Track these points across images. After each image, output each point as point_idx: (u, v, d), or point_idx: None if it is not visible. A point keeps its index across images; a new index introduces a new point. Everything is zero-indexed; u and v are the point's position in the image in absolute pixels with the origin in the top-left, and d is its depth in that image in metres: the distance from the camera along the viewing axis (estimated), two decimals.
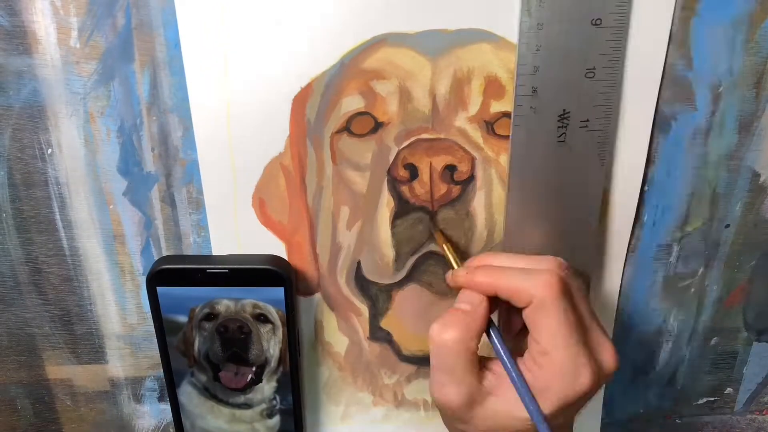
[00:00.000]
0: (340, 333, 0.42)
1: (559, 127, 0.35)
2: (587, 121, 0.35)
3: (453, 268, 0.36)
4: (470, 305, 0.33)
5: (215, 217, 0.38)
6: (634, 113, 0.37)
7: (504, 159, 0.37)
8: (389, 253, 0.39)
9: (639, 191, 0.39)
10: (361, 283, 0.40)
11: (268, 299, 0.31)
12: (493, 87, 0.35)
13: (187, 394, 0.33)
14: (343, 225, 0.39)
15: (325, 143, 0.37)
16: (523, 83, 0.34)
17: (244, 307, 0.31)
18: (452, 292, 0.40)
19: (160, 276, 0.34)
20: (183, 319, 0.31)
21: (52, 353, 0.42)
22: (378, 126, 0.36)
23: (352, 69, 0.35)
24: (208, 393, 0.33)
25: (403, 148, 0.36)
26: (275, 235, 0.39)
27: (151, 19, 0.33)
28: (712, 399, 0.49)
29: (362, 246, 0.39)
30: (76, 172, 0.37)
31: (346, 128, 0.36)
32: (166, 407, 0.44)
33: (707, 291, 0.44)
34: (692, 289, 0.44)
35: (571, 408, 0.32)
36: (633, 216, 0.40)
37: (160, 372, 0.42)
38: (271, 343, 0.32)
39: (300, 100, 0.35)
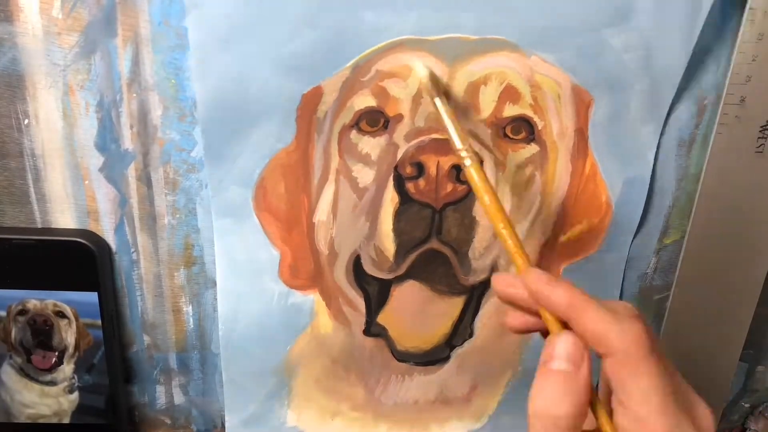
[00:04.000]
0: (335, 326, 0.42)
1: (759, 137, 0.36)
2: None
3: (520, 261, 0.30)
4: (573, 363, 0.27)
5: (218, 201, 0.37)
6: None
7: (511, 162, 0.37)
8: (390, 247, 0.38)
9: None
10: (359, 276, 0.40)
11: (67, 299, 0.39)
12: (509, 92, 0.35)
13: (7, 373, 0.42)
14: (344, 218, 0.38)
15: (333, 138, 0.36)
16: (733, 92, 0.35)
17: (47, 305, 0.39)
18: (451, 290, 0.40)
19: None
20: (2, 313, 0.40)
21: None
22: (387, 123, 0.36)
23: (366, 69, 0.34)
24: (23, 372, 0.41)
25: (411, 146, 0.36)
26: (275, 225, 0.38)
27: None
28: None
29: (363, 240, 0.39)
30: (52, 144, 0.36)
31: (356, 124, 0.36)
32: None
33: None
34: (668, 302, 0.43)
35: None
36: None
37: None
38: (69, 333, 0.40)
39: (311, 97, 0.35)
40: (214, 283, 0.41)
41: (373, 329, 0.42)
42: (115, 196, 0.38)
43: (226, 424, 0.44)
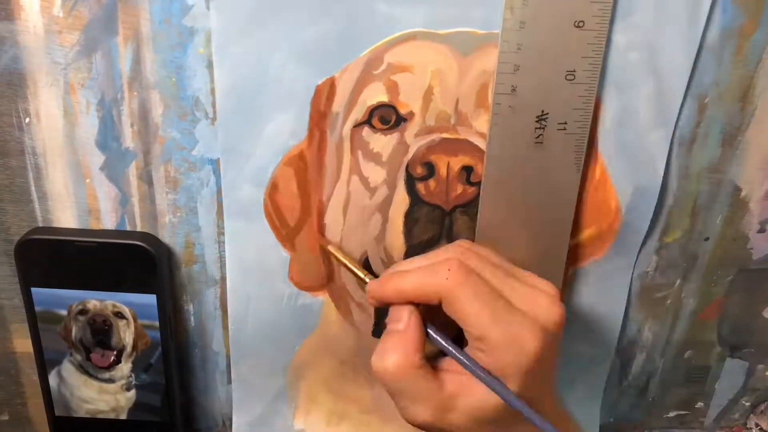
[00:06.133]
0: (343, 327, 0.42)
1: (536, 128, 0.35)
2: (565, 123, 0.35)
3: (364, 282, 0.37)
4: (401, 322, 0.33)
5: (230, 201, 0.37)
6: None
7: None
8: (400, 249, 0.38)
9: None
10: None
11: (126, 301, 0.40)
12: None
13: (67, 369, 0.42)
14: (354, 219, 0.38)
15: (345, 135, 0.36)
16: (503, 81, 0.34)
17: (106, 306, 0.40)
18: None
19: (27, 246, 0.38)
20: (63, 312, 0.40)
21: (20, 326, 0.42)
22: (400, 121, 0.36)
23: (378, 61, 0.34)
24: (82, 369, 0.42)
25: (422, 146, 0.36)
26: (287, 225, 0.38)
27: None
28: (683, 413, 0.49)
29: (372, 240, 0.39)
30: (53, 143, 0.37)
31: (368, 121, 0.36)
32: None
33: (683, 303, 0.44)
34: (668, 301, 0.43)
35: (537, 375, 0.31)
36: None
37: None
38: (127, 334, 0.41)
39: (323, 91, 0.35)
40: (216, 282, 0.41)
41: (381, 330, 0.42)
42: (116, 195, 0.38)
43: (233, 426, 0.44)
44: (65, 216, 0.39)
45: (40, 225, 0.39)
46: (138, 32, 0.34)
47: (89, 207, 0.38)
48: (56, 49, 0.34)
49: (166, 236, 0.39)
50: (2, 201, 0.38)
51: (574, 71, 0.34)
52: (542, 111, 0.35)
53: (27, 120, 0.36)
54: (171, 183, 0.38)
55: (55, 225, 0.39)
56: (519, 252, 0.37)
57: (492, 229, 0.37)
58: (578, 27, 0.33)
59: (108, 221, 0.39)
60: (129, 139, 0.37)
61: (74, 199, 0.38)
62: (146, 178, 0.38)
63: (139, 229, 0.39)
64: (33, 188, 0.38)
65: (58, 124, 0.36)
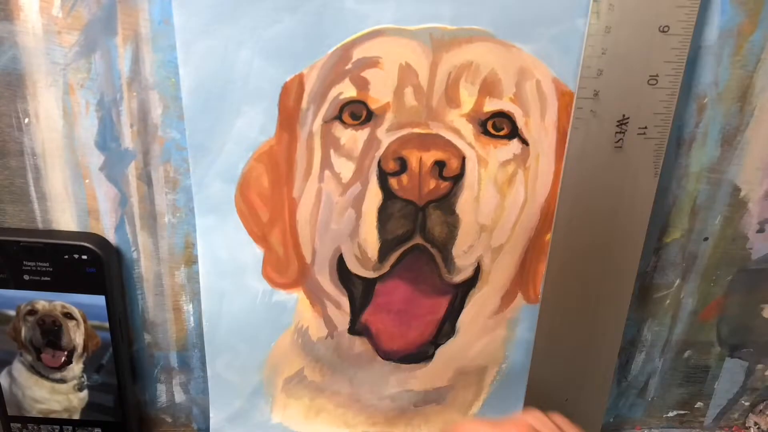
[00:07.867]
0: (319, 324, 0.42)
1: (617, 132, 0.35)
2: (645, 128, 0.35)
3: None
4: None
5: (200, 198, 0.37)
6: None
7: (494, 158, 0.37)
8: (374, 245, 0.38)
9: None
10: (343, 275, 0.40)
11: (75, 302, 0.40)
12: (488, 86, 0.35)
13: (18, 369, 0.43)
14: (327, 215, 0.38)
15: (315, 131, 0.36)
16: (585, 86, 0.34)
17: (55, 307, 0.40)
18: (435, 289, 0.40)
19: None
20: (12, 312, 0.40)
21: None
22: (370, 116, 0.36)
23: (347, 58, 0.34)
24: (33, 369, 0.42)
25: (394, 141, 0.36)
26: (258, 222, 0.38)
27: None
28: (683, 412, 0.49)
29: (346, 237, 0.39)
30: (52, 143, 0.37)
31: (338, 117, 0.36)
32: None
33: (682, 303, 0.44)
34: (668, 301, 0.43)
35: None
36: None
37: None
38: (77, 335, 0.41)
39: (293, 86, 0.35)
40: None
41: (357, 328, 0.42)
42: (115, 195, 0.38)
43: (211, 421, 0.44)
44: (64, 217, 0.39)
45: (40, 226, 0.39)
46: (137, 33, 0.34)
47: (88, 207, 0.38)
48: (55, 50, 0.34)
49: (165, 236, 0.39)
50: (2, 202, 0.38)
51: (657, 76, 0.34)
52: (623, 115, 0.35)
53: (26, 120, 0.36)
54: (170, 183, 0.38)
55: (54, 226, 0.39)
56: (592, 250, 0.38)
57: (567, 230, 0.38)
58: (663, 32, 0.33)
59: (107, 222, 0.39)
60: (128, 139, 0.37)
61: (73, 199, 0.38)
62: (145, 179, 0.38)
63: (138, 230, 0.39)
64: (32, 189, 0.38)
65: (57, 125, 0.36)
